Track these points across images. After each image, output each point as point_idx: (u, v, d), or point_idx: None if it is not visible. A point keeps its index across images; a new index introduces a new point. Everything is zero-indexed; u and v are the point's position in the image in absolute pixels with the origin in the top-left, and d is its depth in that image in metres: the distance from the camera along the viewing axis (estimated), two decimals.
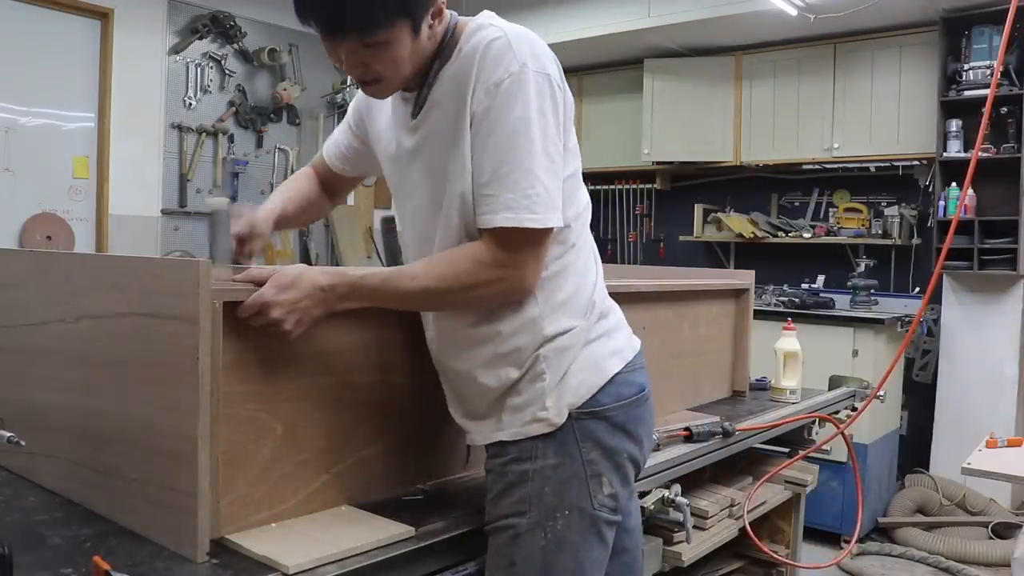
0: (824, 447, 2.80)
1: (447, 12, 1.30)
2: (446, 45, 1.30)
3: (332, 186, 1.77)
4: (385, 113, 1.44)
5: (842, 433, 2.50)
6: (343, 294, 1.26)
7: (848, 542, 4.01)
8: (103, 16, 4.42)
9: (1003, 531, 3.88)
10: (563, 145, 1.29)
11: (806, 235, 4.86)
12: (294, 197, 1.68)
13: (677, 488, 1.86)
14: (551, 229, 1.24)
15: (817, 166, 4.91)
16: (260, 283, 1.22)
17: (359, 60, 1.25)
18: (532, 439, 1.31)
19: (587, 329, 1.34)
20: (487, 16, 1.32)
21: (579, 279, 1.36)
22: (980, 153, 4.03)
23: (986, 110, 2.21)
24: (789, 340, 2.62)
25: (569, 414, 1.30)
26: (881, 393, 2.82)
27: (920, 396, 4.53)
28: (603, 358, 1.35)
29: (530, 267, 1.25)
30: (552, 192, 1.23)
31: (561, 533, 1.28)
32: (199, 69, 4.82)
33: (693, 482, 2.15)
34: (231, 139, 4.97)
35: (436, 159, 1.30)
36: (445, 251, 1.28)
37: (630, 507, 1.50)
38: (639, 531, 1.57)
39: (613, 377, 1.34)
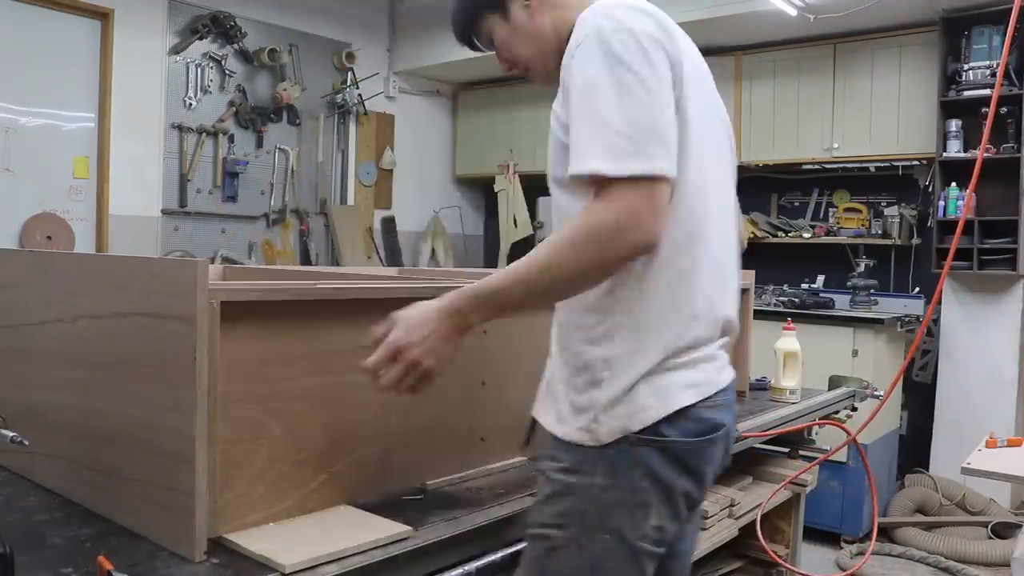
0: (824, 447, 2.80)
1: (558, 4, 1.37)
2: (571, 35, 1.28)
3: None
4: None
5: (854, 440, 2.50)
6: (467, 311, 1.23)
7: (849, 542, 4.02)
8: (103, 16, 4.42)
9: (1003, 531, 3.88)
10: (674, 102, 1.18)
11: (806, 235, 4.86)
12: None
13: None
14: (653, 176, 1.12)
15: (817, 166, 4.91)
16: (383, 337, 1.24)
17: (500, 60, 1.46)
18: (585, 452, 1.22)
19: (671, 351, 1.22)
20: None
21: (671, 296, 1.22)
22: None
23: (990, 111, 2.21)
24: (789, 340, 2.62)
25: (627, 437, 1.20)
26: (879, 393, 2.83)
27: (920, 396, 4.53)
28: (677, 388, 1.22)
29: (638, 210, 1.11)
30: (644, 134, 1.12)
31: (598, 557, 1.21)
32: (199, 69, 4.83)
33: None
34: (231, 139, 4.98)
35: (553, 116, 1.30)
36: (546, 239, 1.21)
37: (686, 531, 1.41)
38: (688, 555, 1.46)
39: (685, 410, 1.21)
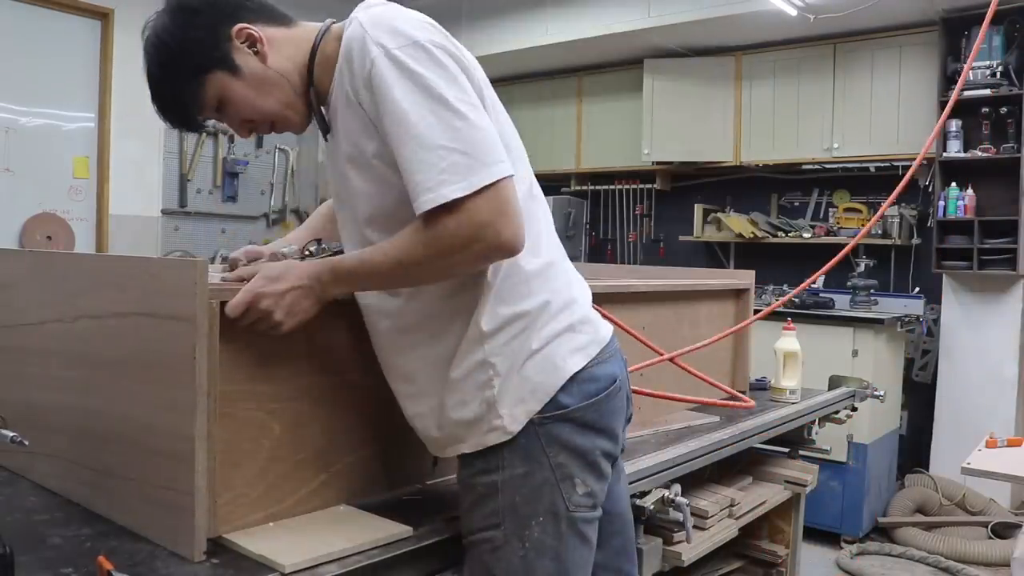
0: (823, 447, 2.80)
1: (272, 32, 1.26)
2: (321, 60, 1.26)
3: None
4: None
5: None
6: (327, 281, 1.22)
7: (849, 542, 4.02)
8: (103, 16, 4.42)
9: (1003, 531, 3.88)
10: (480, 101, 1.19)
11: (806, 235, 4.86)
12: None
13: (677, 488, 1.86)
14: (497, 181, 1.12)
15: (817, 166, 4.91)
16: (248, 279, 1.21)
17: (235, 126, 1.30)
18: (495, 449, 1.24)
19: (539, 322, 1.24)
20: (357, 10, 1.22)
21: (521, 263, 1.24)
22: (979, 153, 4.04)
23: (948, 107, 2.20)
24: (789, 340, 2.62)
25: (531, 420, 1.23)
26: (880, 393, 2.83)
27: (920, 396, 4.53)
28: (562, 357, 1.25)
29: (492, 220, 1.12)
30: (477, 145, 1.12)
31: (539, 540, 1.23)
32: None
33: (693, 482, 2.15)
34: (231, 139, 4.98)
35: (345, 157, 1.25)
36: (408, 227, 1.18)
37: (616, 491, 1.42)
38: (627, 513, 1.49)
39: (576, 375, 1.25)
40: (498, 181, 1.12)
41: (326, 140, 1.33)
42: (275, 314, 1.20)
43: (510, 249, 1.16)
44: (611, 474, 1.33)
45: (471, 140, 1.12)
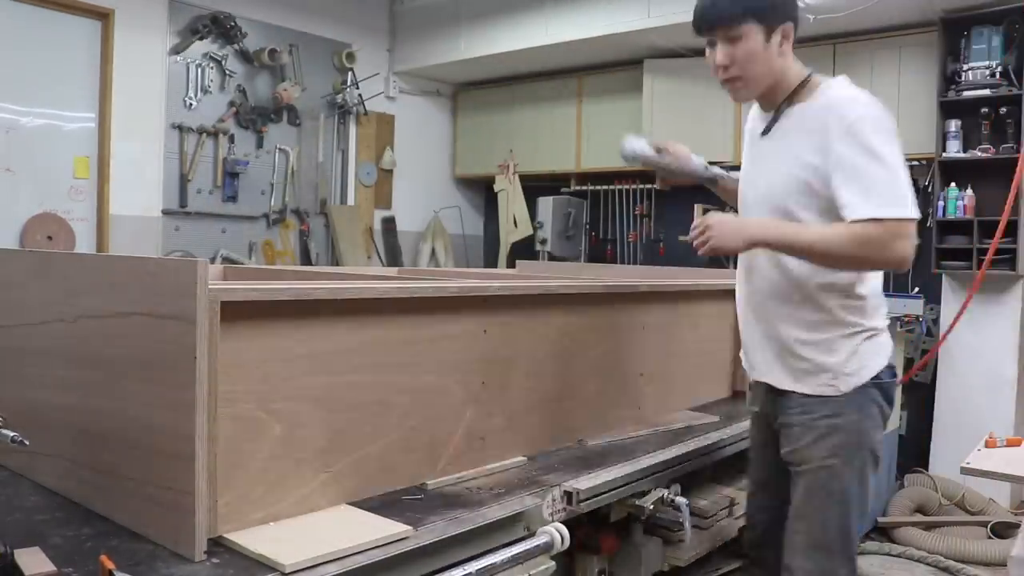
0: None
1: (789, 46, 1.75)
2: (800, 89, 1.77)
3: None
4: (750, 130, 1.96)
5: None
6: (756, 235, 1.69)
7: None
8: (104, 16, 4.42)
9: (1002, 530, 3.88)
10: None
11: None
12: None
13: (677, 488, 1.87)
14: (912, 219, 1.58)
15: None
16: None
17: (725, 55, 1.73)
18: (836, 400, 1.70)
19: (877, 326, 1.75)
20: (842, 80, 1.79)
21: (875, 282, 1.76)
22: (979, 153, 4.04)
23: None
24: None
25: (866, 383, 1.71)
26: None
27: (920, 396, 4.53)
28: (884, 347, 1.78)
29: (909, 240, 1.57)
30: (905, 191, 1.59)
31: (863, 468, 1.71)
32: (200, 69, 4.83)
33: (693, 482, 2.15)
34: (231, 139, 4.98)
35: (780, 166, 1.75)
36: (841, 224, 1.61)
37: None
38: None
39: (888, 364, 1.78)
40: (912, 219, 1.58)
41: (762, 136, 1.84)
42: (712, 241, 1.70)
43: (901, 265, 1.60)
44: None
45: (906, 186, 1.60)
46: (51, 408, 1.45)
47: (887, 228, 1.56)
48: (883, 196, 1.58)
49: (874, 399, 1.74)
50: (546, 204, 5.56)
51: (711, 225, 1.71)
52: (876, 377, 1.74)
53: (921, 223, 4.46)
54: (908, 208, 1.58)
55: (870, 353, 1.74)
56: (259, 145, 5.13)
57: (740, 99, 1.83)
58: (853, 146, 1.62)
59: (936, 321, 4.43)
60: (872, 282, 1.76)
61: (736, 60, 1.72)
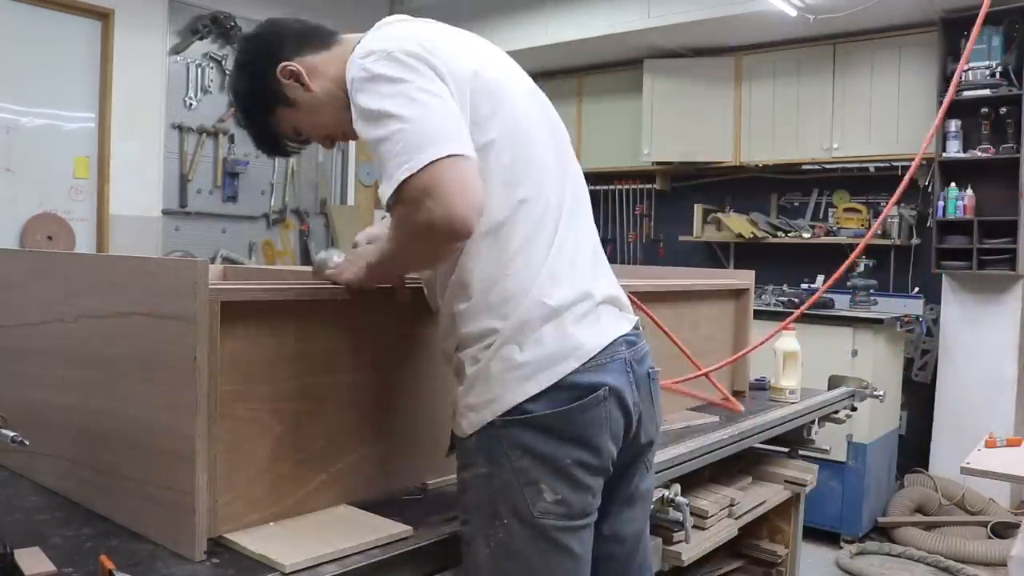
0: (823, 447, 2.80)
1: (310, 62, 1.40)
2: None
3: None
4: None
5: None
6: (367, 266, 1.38)
7: (849, 542, 4.02)
8: (104, 16, 4.42)
9: (1002, 530, 3.88)
10: (459, 108, 1.21)
11: (806, 235, 4.86)
12: None
13: (677, 488, 1.87)
14: (445, 158, 1.12)
15: (817, 166, 4.92)
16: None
17: (319, 142, 1.48)
18: (468, 447, 1.26)
19: (517, 329, 1.23)
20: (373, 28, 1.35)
21: (505, 269, 1.24)
22: (979, 153, 4.04)
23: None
24: (789, 340, 2.62)
25: (493, 421, 1.22)
26: (880, 392, 2.83)
27: (919, 396, 4.54)
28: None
29: (442, 192, 1.11)
30: (426, 127, 1.14)
31: (504, 541, 1.23)
32: (199, 69, 4.83)
33: (693, 482, 2.15)
34: (231, 139, 4.98)
35: None
36: None
37: (625, 514, 1.39)
38: (634, 540, 1.42)
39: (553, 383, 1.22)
40: (436, 160, 1.11)
41: None
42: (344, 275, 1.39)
43: (461, 225, 1.13)
44: (597, 488, 1.28)
45: (427, 120, 1.15)
46: (51, 408, 1.45)
47: (406, 194, 1.13)
48: (391, 158, 1.13)
49: (515, 442, 1.22)
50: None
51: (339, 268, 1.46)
52: (518, 408, 1.21)
53: (921, 223, 4.53)
54: (423, 154, 1.11)
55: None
56: None
57: (340, 140, 1.51)
58: (357, 123, 1.21)
59: (936, 321, 4.43)
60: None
61: (302, 136, 1.48)
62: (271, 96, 1.40)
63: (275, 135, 1.47)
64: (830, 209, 4.99)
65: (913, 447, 4.52)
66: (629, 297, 1.43)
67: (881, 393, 2.83)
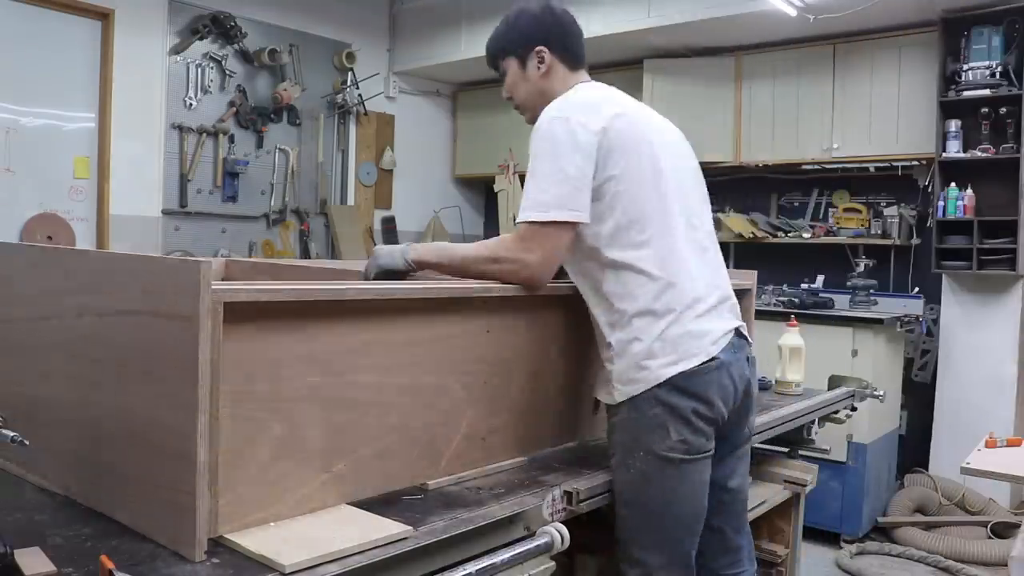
0: (823, 447, 2.81)
1: (557, 64, 1.87)
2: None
3: None
4: None
5: None
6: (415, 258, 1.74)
7: (849, 542, 4.02)
8: (104, 16, 4.43)
9: (1002, 530, 3.88)
10: (593, 170, 1.64)
11: (806, 235, 4.86)
12: None
13: None
14: (557, 223, 1.61)
15: (817, 166, 4.91)
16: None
17: (505, 86, 1.92)
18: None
19: (648, 331, 1.64)
20: (575, 87, 1.84)
21: (640, 286, 1.65)
22: (979, 153, 4.04)
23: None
24: (792, 336, 2.64)
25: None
26: (880, 392, 2.84)
27: (919, 396, 4.54)
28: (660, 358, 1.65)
29: (537, 256, 1.63)
30: (561, 196, 1.61)
31: (641, 469, 1.64)
32: (200, 69, 4.83)
33: None
34: (231, 139, 4.98)
35: None
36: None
37: (730, 466, 1.80)
38: (740, 492, 1.87)
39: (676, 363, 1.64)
40: (556, 222, 1.62)
41: None
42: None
43: (532, 282, 1.68)
44: (710, 433, 1.67)
45: (563, 187, 1.62)
46: (51, 407, 1.45)
47: (520, 231, 1.64)
48: (525, 201, 1.64)
49: (654, 395, 1.66)
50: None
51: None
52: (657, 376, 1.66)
53: (921, 223, 4.53)
54: (538, 212, 1.62)
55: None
56: (259, 145, 5.13)
57: (528, 121, 1.88)
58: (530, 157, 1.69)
59: (936, 321, 4.43)
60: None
61: (507, 89, 1.92)
62: (516, 49, 1.87)
63: (494, 59, 1.93)
64: (830, 209, 4.98)
65: (913, 447, 4.52)
66: None
67: (881, 393, 2.84)
